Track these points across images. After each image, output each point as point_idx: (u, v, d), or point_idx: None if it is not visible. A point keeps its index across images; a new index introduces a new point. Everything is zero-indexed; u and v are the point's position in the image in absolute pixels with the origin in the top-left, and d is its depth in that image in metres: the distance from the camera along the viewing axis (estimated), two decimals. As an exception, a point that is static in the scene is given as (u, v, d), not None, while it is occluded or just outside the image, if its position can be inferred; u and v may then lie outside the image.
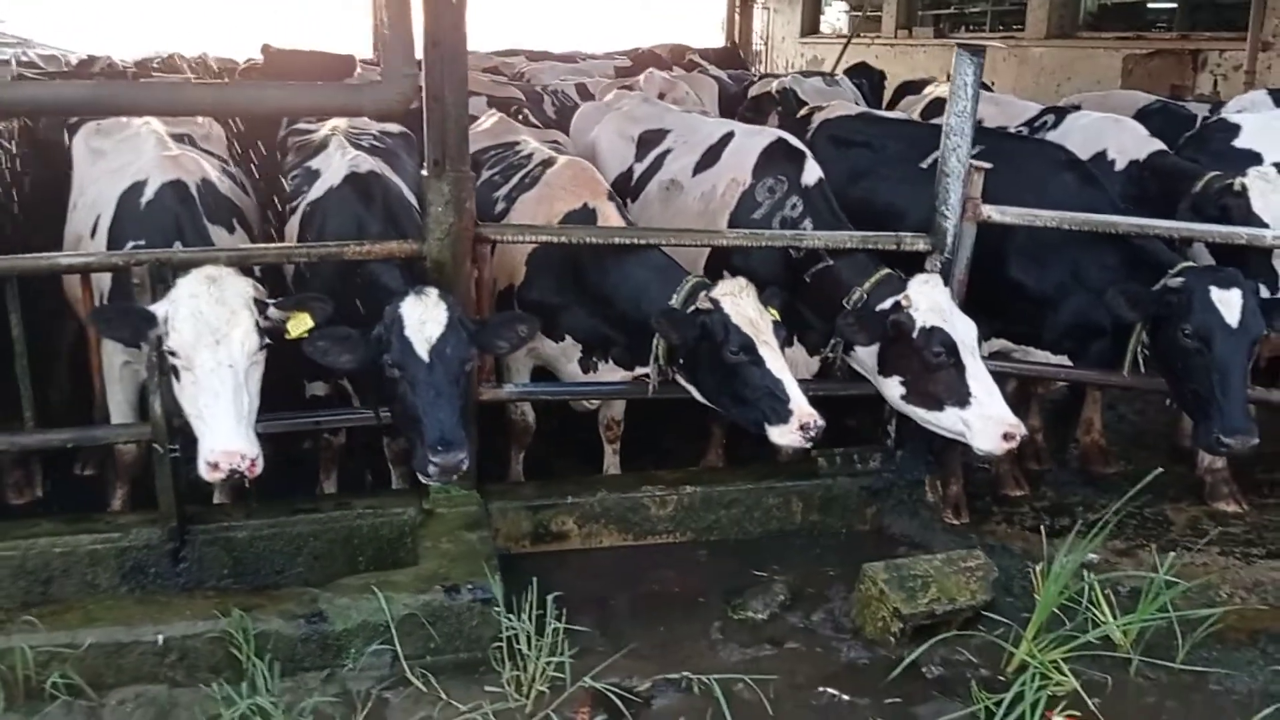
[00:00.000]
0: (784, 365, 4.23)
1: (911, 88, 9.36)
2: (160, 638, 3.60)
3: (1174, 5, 15.23)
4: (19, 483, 5.38)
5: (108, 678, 3.58)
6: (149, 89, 5.01)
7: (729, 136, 5.54)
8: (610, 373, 4.88)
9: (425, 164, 4.27)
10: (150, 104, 4.24)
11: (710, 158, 5.51)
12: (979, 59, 4.67)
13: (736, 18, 30.28)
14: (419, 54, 4.11)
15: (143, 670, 3.60)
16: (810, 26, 24.89)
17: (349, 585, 3.89)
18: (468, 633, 3.84)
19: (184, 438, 3.97)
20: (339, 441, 5.12)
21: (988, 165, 4.79)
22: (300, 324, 3.95)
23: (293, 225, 4.89)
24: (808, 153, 5.13)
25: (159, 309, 3.81)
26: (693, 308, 4.31)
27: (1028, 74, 15.51)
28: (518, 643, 3.67)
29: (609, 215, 4.77)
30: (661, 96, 7.71)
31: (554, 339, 4.90)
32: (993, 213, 4.81)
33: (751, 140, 5.32)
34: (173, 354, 3.76)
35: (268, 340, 3.86)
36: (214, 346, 3.74)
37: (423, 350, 3.92)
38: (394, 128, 5.82)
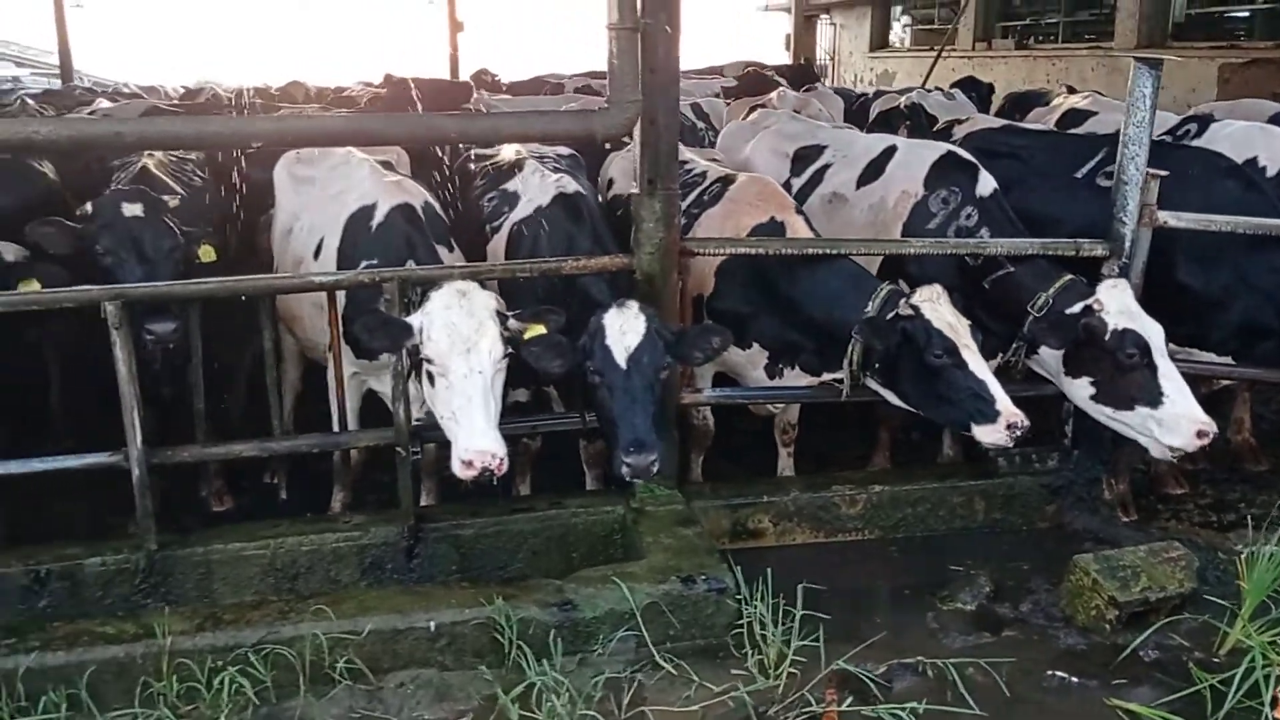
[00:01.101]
0: (985, 367, 4.44)
1: (1023, 99, 9.54)
2: (433, 624, 3.89)
3: (1246, 15, 15.30)
4: (219, 491, 5.73)
5: (384, 662, 3.87)
6: (399, 121, 5.35)
7: (891, 150, 5.77)
8: (796, 378, 5.12)
9: (637, 183, 4.56)
10: (401, 134, 4.57)
11: (874, 171, 5.75)
12: (1156, 72, 4.87)
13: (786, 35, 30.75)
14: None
15: (416, 655, 3.89)
16: (880, 41, 25.12)
17: (589, 576, 4.16)
18: (703, 620, 4.09)
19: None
20: (536, 446, 5.40)
21: (1163, 173, 4.98)
22: (536, 334, 4.24)
23: (497, 243, 5.19)
24: (979, 165, 5.35)
25: (414, 320, 4.12)
26: (892, 314, 4.54)
27: (1119, 83, 15.53)
28: (762, 628, 3.91)
29: (798, 227, 5.02)
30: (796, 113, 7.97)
31: (741, 346, 5.14)
32: (1169, 218, 5.00)
33: (919, 153, 5.55)
34: (429, 361, 4.07)
35: (510, 349, 4.15)
36: (465, 354, 4.04)
37: (621, 358, 4.21)
38: (564, 150, 6.13)
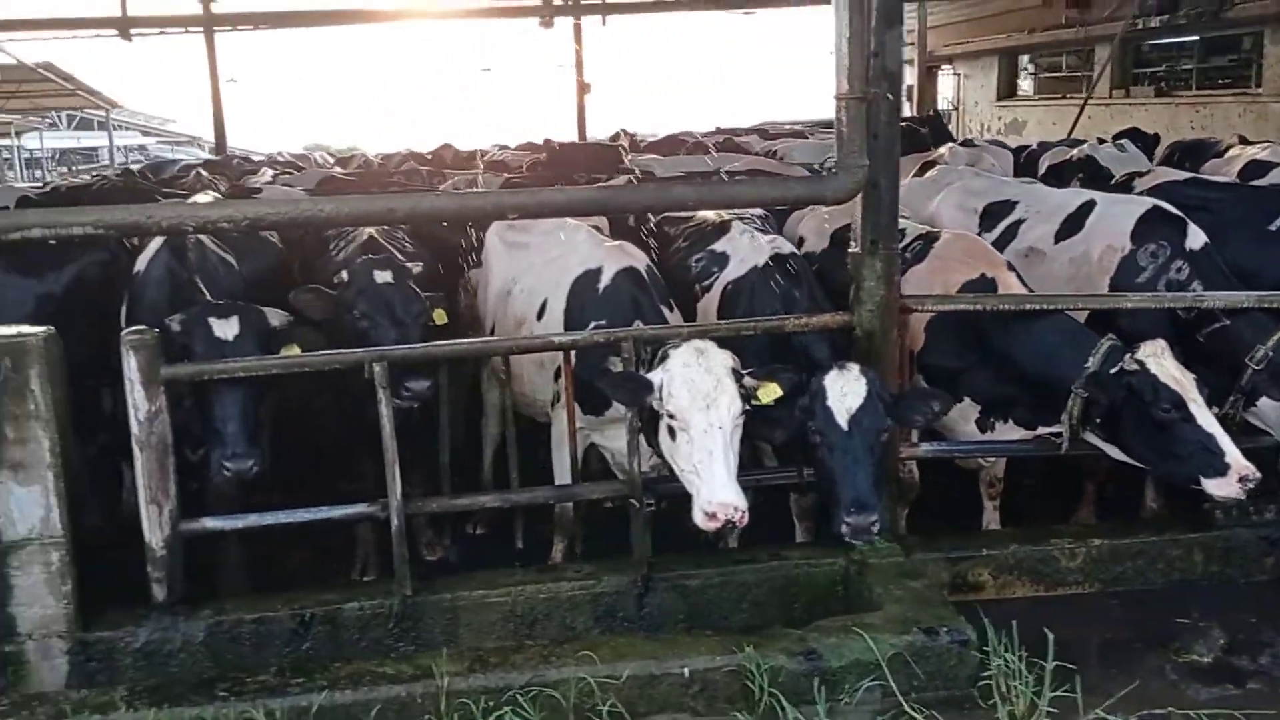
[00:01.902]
0: (1214, 420, 4.46)
1: (1193, 149, 9.47)
2: (686, 670, 4.04)
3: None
4: (431, 541, 6.01)
5: (640, 706, 4.04)
6: (641, 191, 5.67)
7: (1089, 205, 5.84)
8: (1008, 432, 5.19)
9: (859, 243, 4.73)
10: (646, 202, 4.84)
11: (1072, 225, 5.82)
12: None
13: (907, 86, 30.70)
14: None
15: (671, 700, 4.05)
16: (1007, 90, 25.02)
17: (829, 627, 4.27)
18: (947, 671, 4.16)
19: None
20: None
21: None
22: (770, 392, 4.42)
23: (708, 302, 5.41)
24: (1186, 218, 5.38)
25: (654, 377, 4.34)
26: (1116, 369, 4.59)
27: (1268, 129, 15.28)
28: (1011, 679, 3.97)
29: (1010, 284, 5.12)
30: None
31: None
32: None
33: (1121, 207, 5.61)
34: (670, 416, 4.28)
35: (748, 405, 4.33)
36: (705, 410, 4.23)
37: (842, 419, 4.37)
38: (757, 211, 6.33)
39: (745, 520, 4.17)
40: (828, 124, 19.47)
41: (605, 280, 5.03)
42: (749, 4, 22.80)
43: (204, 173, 14.67)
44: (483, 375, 6.22)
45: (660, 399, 4.33)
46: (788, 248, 5.24)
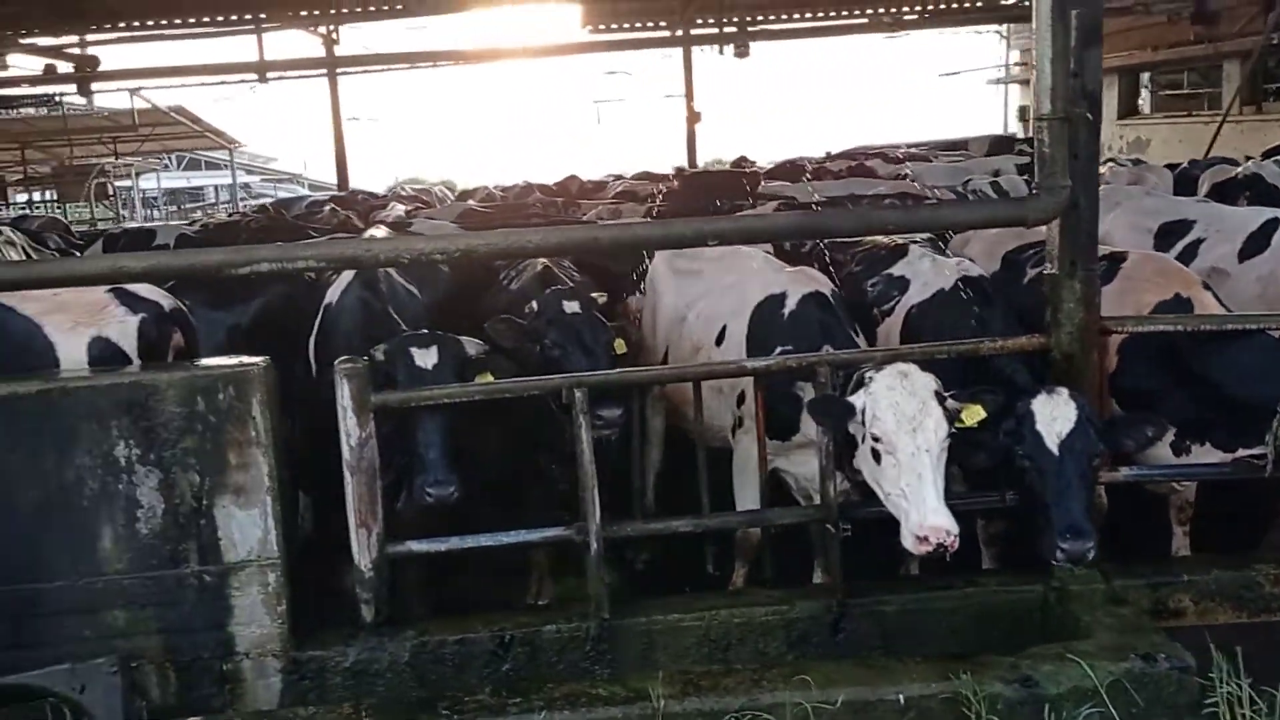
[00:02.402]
0: None
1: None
2: (901, 697, 4.01)
3: None
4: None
5: (853, 733, 4.03)
6: (847, 215, 5.72)
7: (1273, 223, 5.69)
8: (1205, 455, 5.05)
9: (1057, 264, 4.68)
10: (852, 227, 4.88)
11: (1256, 244, 5.68)
12: None
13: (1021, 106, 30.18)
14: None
15: (884, 727, 4.03)
16: (1128, 108, 24.46)
17: (1042, 654, 4.20)
18: (1165, 699, 4.05)
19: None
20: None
21: None
22: (974, 415, 4.39)
23: (889, 326, 5.40)
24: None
25: (857, 401, 4.35)
26: (1330, 388, 4.45)
27: None
28: (1240, 706, 3.86)
29: (1207, 303, 5.01)
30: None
31: (1147, 423, 5.12)
32: None
33: (1312, 225, 5.46)
34: (876, 439, 4.28)
35: (953, 429, 4.30)
36: (912, 433, 4.22)
37: (1053, 444, 4.30)
38: (919, 235, 6.30)
39: (956, 545, 4.14)
40: (948, 145, 19.34)
41: (791, 305, 5.06)
42: (896, 27, 22.62)
43: (337, 208, 15.19)
44: (646, 402, 6.29)
45: (863, 422, 4.33)
46: (976, 270, 5.21)
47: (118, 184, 33.22)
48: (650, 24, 24.19)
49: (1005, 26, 30.60)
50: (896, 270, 5.60)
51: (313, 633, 4.75)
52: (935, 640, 4.78)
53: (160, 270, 4.44)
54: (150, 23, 16.29)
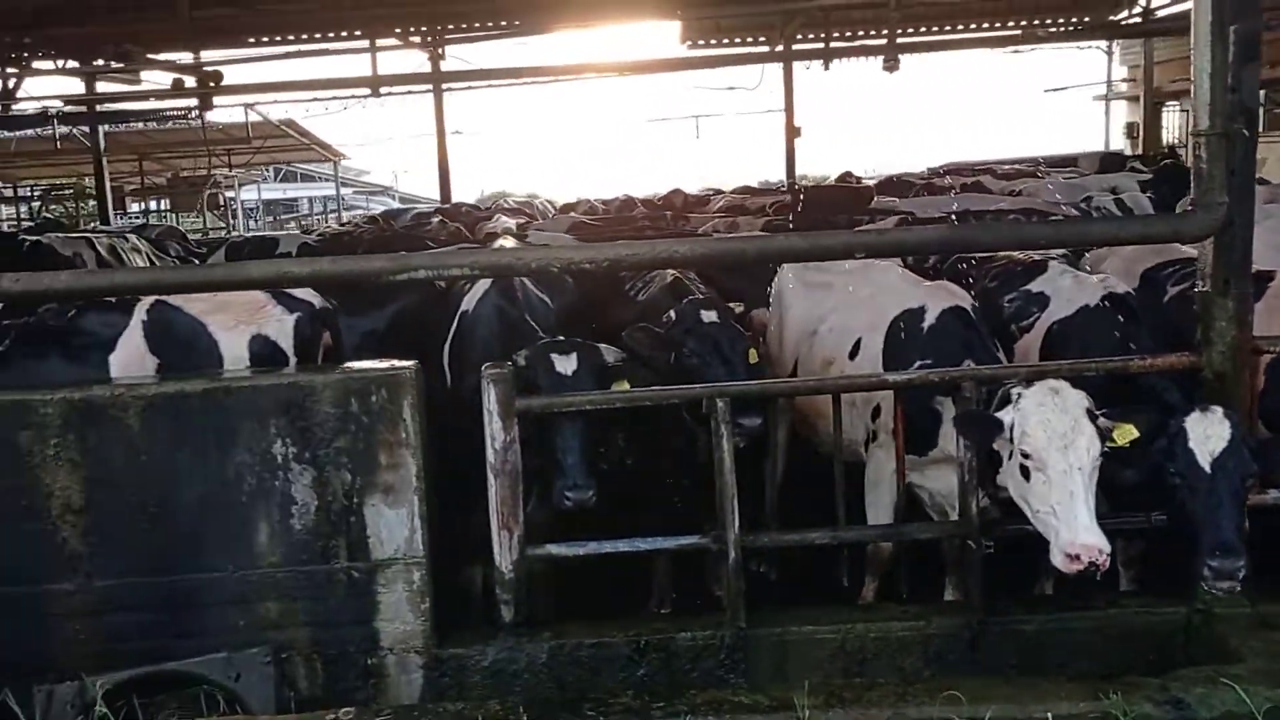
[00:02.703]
0: None
1: None
2: (1050, 715, 3.97)
3: None
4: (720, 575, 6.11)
5: (1004, 750, 3.99)
6: (995, 229, 5.77)
7: None
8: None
9: (1209, 282, 4.60)
10: (999, 241, 4.88)
11: None
12: None
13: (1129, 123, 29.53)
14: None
15: (1035, 744, 3.99)
16: (1242, 126, 23.73)
17: (1192, 676, 4.12)
18: (1325, 727, 3.96)
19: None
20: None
21: None
22: (1126, 434, 4.33)
23: (1028, 342, 5.36)
24: None
25: (1005, 417, 4.33)
26: None
27: None
28: None
29: (1364, 324, 4.87)
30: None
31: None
32: None
33: None
34: (1025, 456, 4.25)
35: (1106, 447, 4.26)
36: (1063, 450, 4.18)
37: (1205, 462, 4.22)
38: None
39: (1107, 564, 4.09)
40: (1054, 162, 19.03)
41: (930, 319, 5.04)
42: (1002, 44, 22.31)
43: (446, 220, 15.49)
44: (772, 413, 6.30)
45: (1010, 439, 4.31)
46: (1122, 287, 5.14)
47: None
48: (750, 39, 24.33)
49: (1111, 42, 30.02)
50: (1035, 286, 5.54)
51: (453, 631, 4.87)
52: (1074, 661, 4.73)
53: (323, 276, 4.62)
54: (265, 39, 16.87)
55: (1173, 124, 27.51)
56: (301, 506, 4.72)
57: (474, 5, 19.34)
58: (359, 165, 46.88)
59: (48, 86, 19.90)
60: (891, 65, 17.89)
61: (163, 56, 15.50)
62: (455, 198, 23.36)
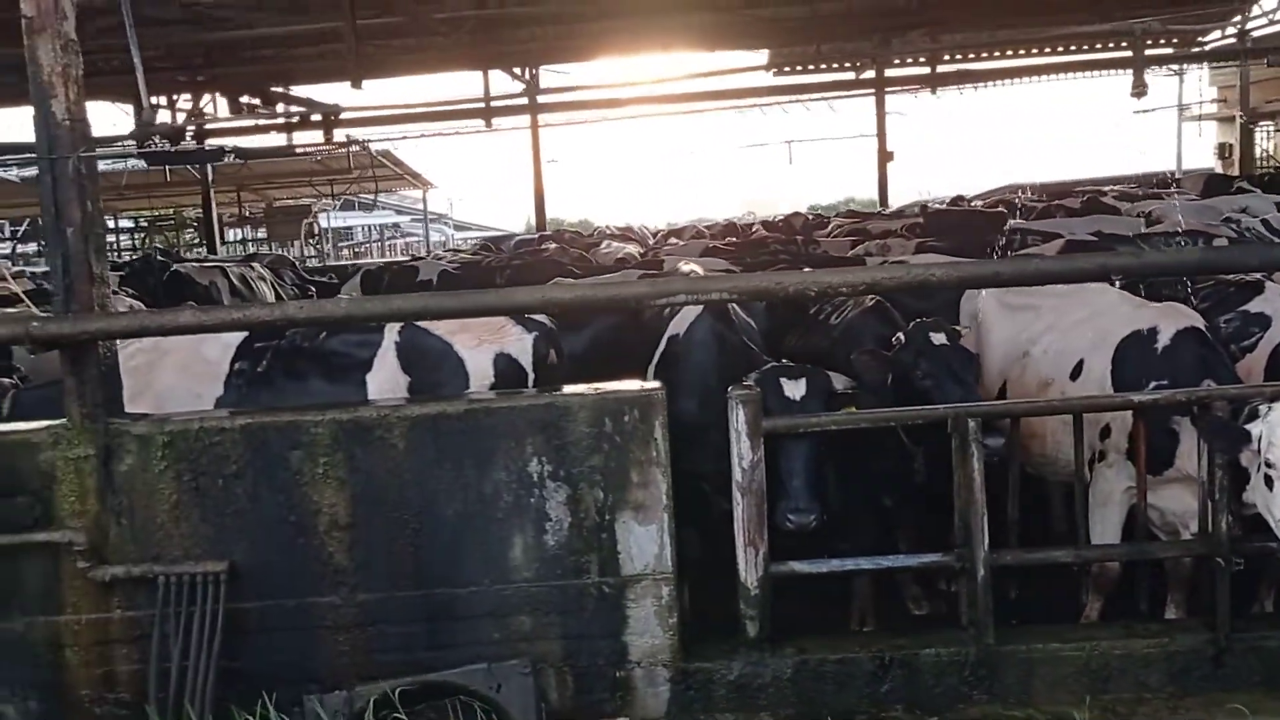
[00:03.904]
0: None
1: None
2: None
3: None
4: (916, 596, 6.20)
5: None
6: (1247, 251, 5.82)
7: None
8: None
9: None
10: (1249, 263, 4.95)
11: None
12: None
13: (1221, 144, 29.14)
14: None
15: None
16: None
17: None
18: None
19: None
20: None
21: None
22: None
23: (1251, 362, 5.40)
24: None
25: (1254, 429, 4.39)
26: None
27: None
28: None
29: None
30: None
31: None
32: None
33: None
34: (1269, 465, 4.31)
35: (1361, 462, 4.30)
36: (1312, 463, 4.24)
37: None
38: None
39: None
40: (1155, 183, 18.86)
41: (1164, 340, 5.11)
42: (1094, 68, 22.28)
43: (565, 246, 15.77)
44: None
45: (1258, 450, 4.37)
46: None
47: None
48: (836, 66, 24.44)
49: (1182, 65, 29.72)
50: (1254, 307, 5.59)
51: (700, 646, 5.00)
52: (1322, 680, 4.75)
53: (587, 301, 4.82)
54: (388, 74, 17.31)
55: (1266, 144, 27.12)
56: (555, 523, 4.89)
57: (569, 40, 19.68)
58: (415, 194, 47.65)
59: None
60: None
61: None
62: (503, 227, 23.78)
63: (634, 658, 4.93)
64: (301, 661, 4.92)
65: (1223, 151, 29.24)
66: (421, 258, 19.77)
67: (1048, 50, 22.19)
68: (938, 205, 18.82)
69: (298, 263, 26.06)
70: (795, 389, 5.12)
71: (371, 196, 38.17)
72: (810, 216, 17.80)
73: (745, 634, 4.96)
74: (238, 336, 5.59)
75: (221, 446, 4.87)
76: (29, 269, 20.93)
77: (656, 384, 4.93)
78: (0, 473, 4.82)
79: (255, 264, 16.82)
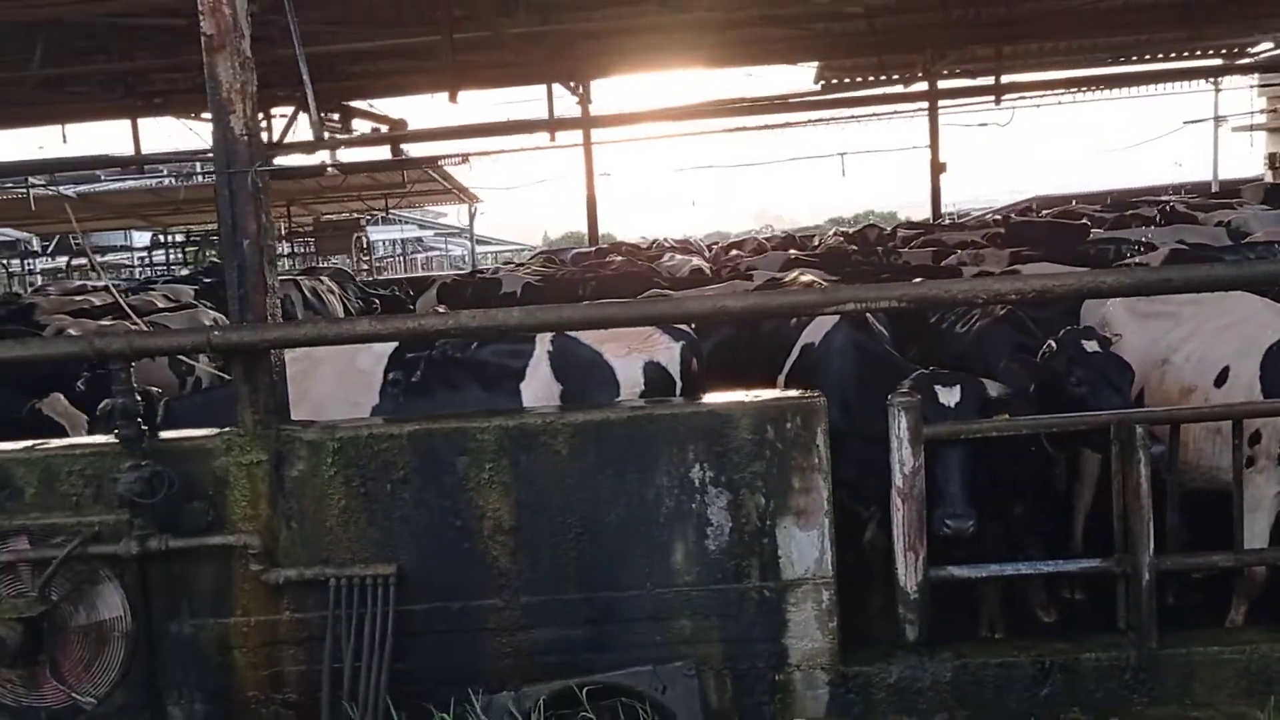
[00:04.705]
0: None
1: None
2: None
3: None
4: (1043, 603, 6.23)
5: None
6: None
7: None
8: None
9: None
10: None
11: None
12: None
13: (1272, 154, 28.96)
14: None
15: None
16: None
17: None
18: None
19: None
20: None
21: None
22: None
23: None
24: None
25: None
26: None
27: None
28: None
29: None
30: None
31: None
32: None
33: None
34: None
35: None
36: None
37: None
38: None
39: None
40: (1212, 194, 18.85)
41: (1313, 346, 5.15)
42: (1146, 80, 22.23)
43: (630, 257, 15.88)
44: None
45: None
46: None
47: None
48: (884, 78, 24.44)
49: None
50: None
51: (857, 649, 5.06)
52: None
53: (759, 310, 4.91)
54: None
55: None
56: (716, 528, 4.97)
57: (620, 56, 19.80)
58: (438, 208, 47.94)
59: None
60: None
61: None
62: (523, 241, 23.90)
63: (794, 661, 4.99)
64: (463, 663, 5.01)
65: (1273, 161, 29.08)
66: (480, 271, 19.99)
67: (1107, 60, 22.15)
68: (1011, 215, 18.83)
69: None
70: (950, 395, 5.19)
71: (417, 211, 38.62)
72: (883, 229, 17.85)
73: (904, 637, 5.01)
74: (388, 347, 5.73)
75: (390, 452, 4.97)
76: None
77: (816, 393, 5.00)
78: (175, 478, 4.93)
79: (324, 277, 17.03)
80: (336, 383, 5.61)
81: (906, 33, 18.94)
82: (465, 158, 21.62)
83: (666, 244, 20.96)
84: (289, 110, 16.64)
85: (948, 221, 24.77)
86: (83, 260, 35.41)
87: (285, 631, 5.04)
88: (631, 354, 5.44)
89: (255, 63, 5.03)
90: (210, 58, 4.90)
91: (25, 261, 36.50)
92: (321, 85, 14.88)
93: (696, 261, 14.46)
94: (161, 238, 35.06)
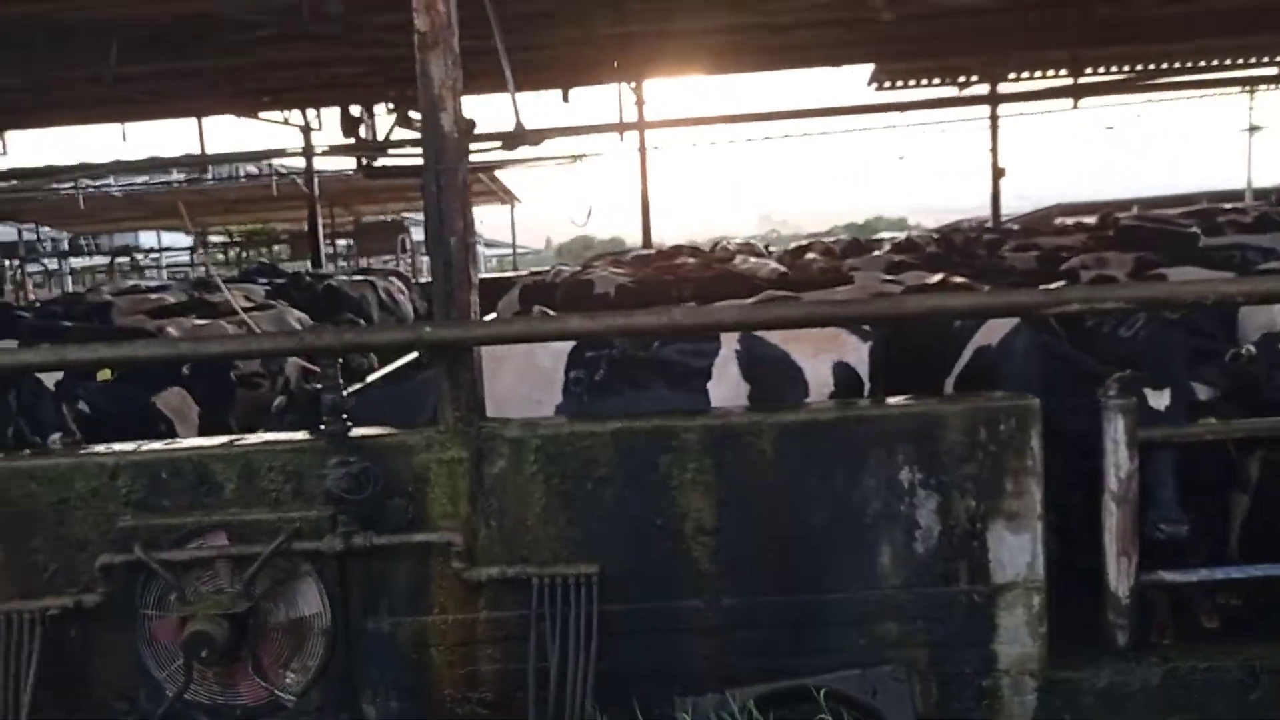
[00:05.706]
0: None
1: None
2: None
3: None
4: (1209, 610, 6.15)
5: None
6: None
7: None
8: None
9: None
10: None
11: None
12: None
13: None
14: None
15: None
16: None
17: None
18: None
19: None
20: None
21: None
22: None
23: None
24: None
25: None
26: None
27: None
28: None
29: None
30: None
31: None
32: None
33: None
34: None
35: None
36: None
37: None
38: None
39: None
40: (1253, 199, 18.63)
41: None
42: (1199, 86, 22.06)
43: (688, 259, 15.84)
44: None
45: None
46: None
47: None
48: (939, 81, 24.31)
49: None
50: None
51: (1064, 654, 5.00)
52: None
53: (981, 308, 4.87)
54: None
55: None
56: (925, 531, 4.91)
57: (679, 57, 19.73)
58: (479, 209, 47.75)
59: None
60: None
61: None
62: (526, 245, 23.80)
63: (1002, 666, 4.93)
64: (662, 664, 4.96)
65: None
66: (541, 272, 19.95)
67: (1165, 65, 21.96)
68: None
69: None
70: (1159, 399, 5.11)
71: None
72: (974, 232, 17.80)
73: (1114, 642, 4.95)
74: (567, 346, 5.69)
75: (591, 450, 4.93)
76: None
77: (1030, 396, 4.94)
78: (376, 475, 4.90)
79: (393, 278, 17.07)
80: (519, 380, 5.57)
81: (970, 35, 18.84)
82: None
83: (730, 246, 20.87)
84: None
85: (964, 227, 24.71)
86: (124, 259, 35.66)
87: (482, 630, 5.00)
88: (820, 355, 5.40)
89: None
90: (423, 55, 4.87)
91: (60, 261, 36.61)
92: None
93: (772, 265, 14.37)
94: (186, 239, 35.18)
